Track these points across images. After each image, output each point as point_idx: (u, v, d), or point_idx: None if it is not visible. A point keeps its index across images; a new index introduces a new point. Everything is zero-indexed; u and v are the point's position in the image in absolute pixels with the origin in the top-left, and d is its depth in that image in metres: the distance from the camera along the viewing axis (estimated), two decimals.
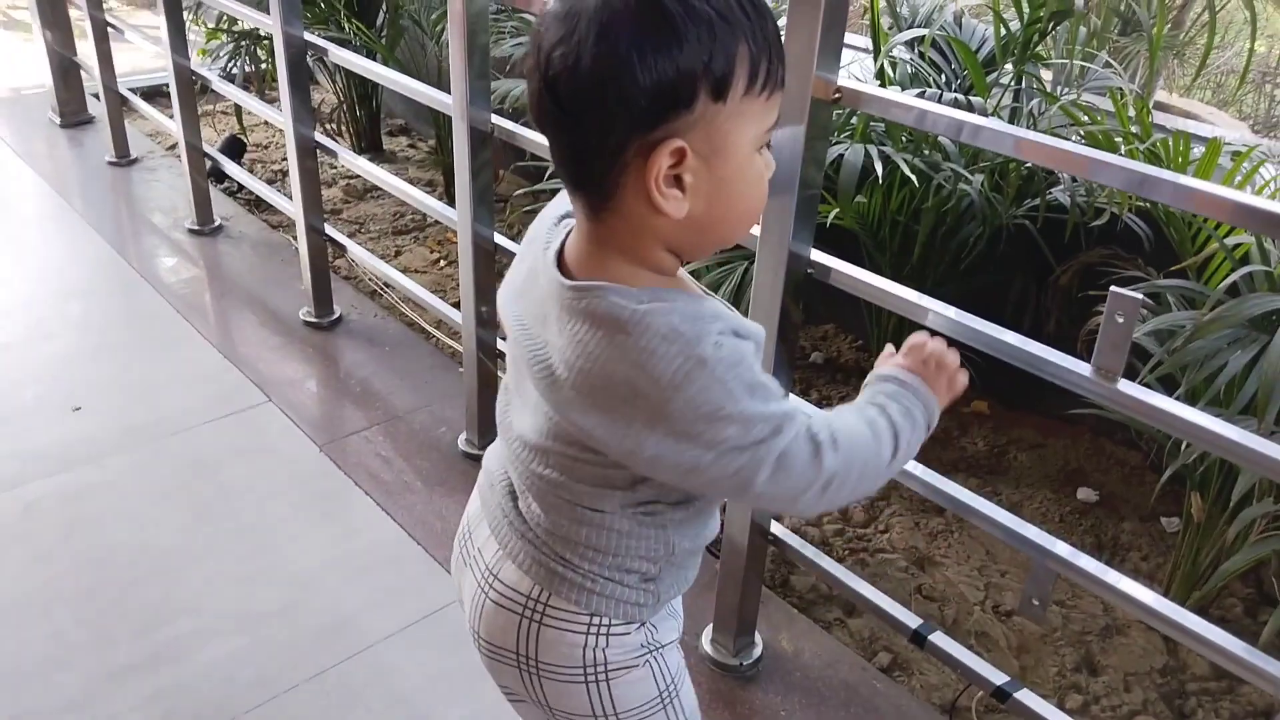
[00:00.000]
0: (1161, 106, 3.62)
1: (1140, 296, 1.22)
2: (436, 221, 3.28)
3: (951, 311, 1.42)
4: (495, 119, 2.05)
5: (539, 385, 0.92)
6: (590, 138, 0.84)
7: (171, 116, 3.28)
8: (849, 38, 3.27)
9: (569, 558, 0.99)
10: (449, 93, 2.06)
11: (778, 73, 0.86)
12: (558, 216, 0.98)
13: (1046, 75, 2.67)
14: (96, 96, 3.98)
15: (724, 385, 0.84)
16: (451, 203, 2.22)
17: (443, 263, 3.52)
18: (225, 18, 3.92)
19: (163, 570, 2.04)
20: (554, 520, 0.98)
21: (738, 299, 2.20)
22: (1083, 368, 1.30)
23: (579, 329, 0.86)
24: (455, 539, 1.14)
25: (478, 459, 2.39)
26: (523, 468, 0.99)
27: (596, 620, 1.01)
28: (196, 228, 3.43)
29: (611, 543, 0.97)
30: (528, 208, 3.54)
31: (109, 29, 3.66)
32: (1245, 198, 1.15)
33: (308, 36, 2.53)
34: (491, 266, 2.23)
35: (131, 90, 3.85)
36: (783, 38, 0.97)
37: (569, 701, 1.04)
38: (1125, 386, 1.27)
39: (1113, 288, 1.23)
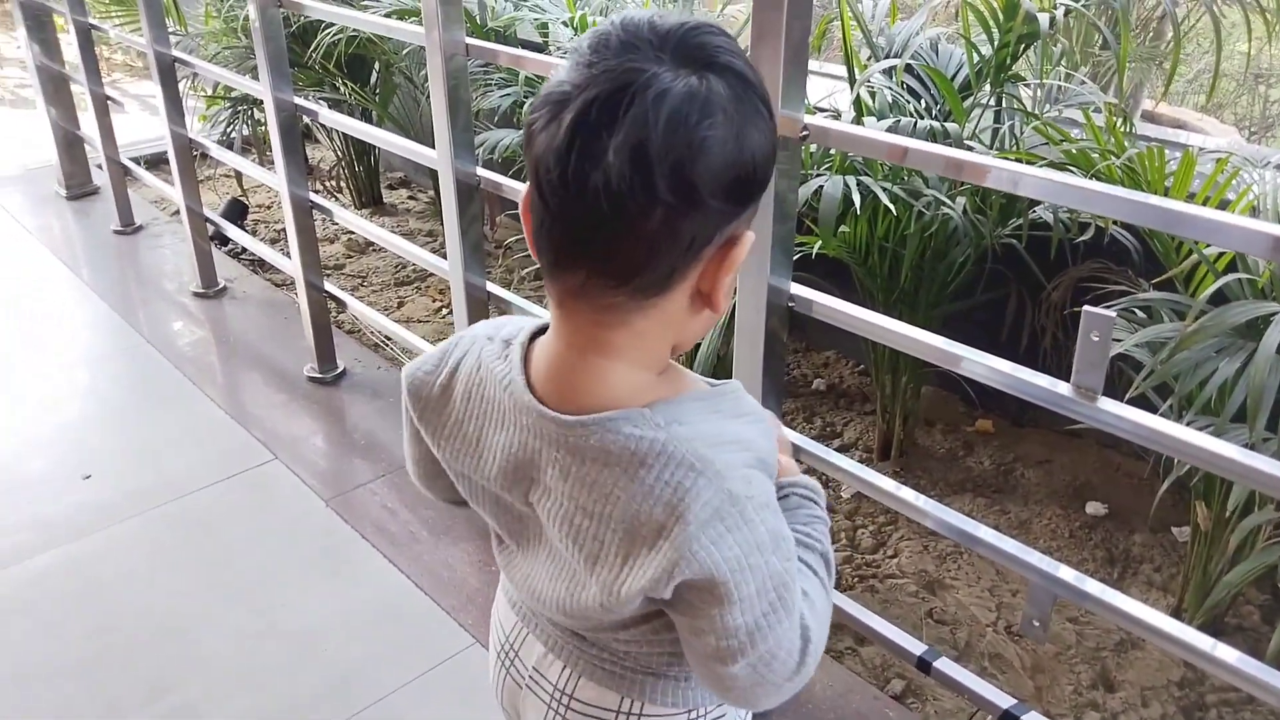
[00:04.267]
0: (1150, 117, 3.63)
1: (1113, 315, 1.23)
2: None
3: (931, 338, 1.43)
4: (481, 171, 2.08)
5: (570, 546, 0.80)
6: (685, 226, 0.70)
7: (173, 184, 3.35)
8: (834, 69, 3.31)
9: (654, 666, 0.91)
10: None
11: None
12: (502, 341, 0.85)
13: (1029, 94, 2.68)
14: (100, 167, 4.06)
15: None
16: None
17: (445, 311, 3.55)
18: (222, 85, 4.01)
19: (170, 634, 2.06)
20: (627, 643, 0.89)
21: (727, 335, 2.21)
22: (1063, 387, 1.30)
23: (588, 471, 0.76)
24: (492, 654, 1.04)
25: None
26: (570, 622, 0.90)
27: (694, 713, 0.94)
28: (201, 290, 3.49)
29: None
30: (524, 252, 3.57)
31: (109, 102, 3.75)
32: (1202, 212, 1.16)
33: (298, 100, 2.59)
34: (485, 315, 2.26)
35: (134, 160, 3.93)
36: None
37: None
38: (1105, 404, 1.27)
39: (1085, 307, 1.24)
